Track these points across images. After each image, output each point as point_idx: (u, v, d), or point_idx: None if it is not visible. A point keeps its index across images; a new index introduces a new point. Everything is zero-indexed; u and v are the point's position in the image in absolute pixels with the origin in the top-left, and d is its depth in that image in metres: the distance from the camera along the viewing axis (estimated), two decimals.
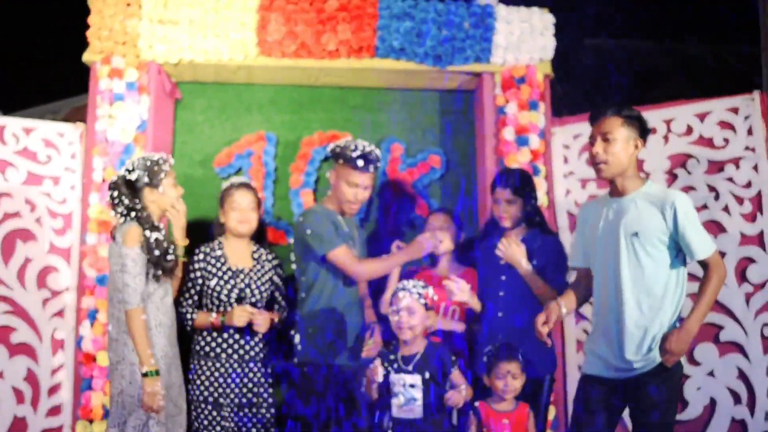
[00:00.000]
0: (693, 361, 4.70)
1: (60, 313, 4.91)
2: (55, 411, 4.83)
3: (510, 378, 3.88)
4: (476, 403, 3.90)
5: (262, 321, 4.33)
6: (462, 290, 4.21)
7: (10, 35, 7.22)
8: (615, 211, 3.82)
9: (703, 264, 3.72)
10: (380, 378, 3.85)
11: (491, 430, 3.82)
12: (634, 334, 3.69)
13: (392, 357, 3.96)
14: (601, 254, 3.83)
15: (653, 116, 4.95)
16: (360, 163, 4.34)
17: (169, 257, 4.15)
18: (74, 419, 4.77)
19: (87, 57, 5.08)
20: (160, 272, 4.10)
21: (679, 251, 3.73)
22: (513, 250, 4.24)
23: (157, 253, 4.08)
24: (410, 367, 3.90)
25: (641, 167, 4.92)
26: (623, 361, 3.70)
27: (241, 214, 4.52)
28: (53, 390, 4.84)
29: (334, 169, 4.45)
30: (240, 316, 4.30)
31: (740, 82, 4.40)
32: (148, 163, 4.19)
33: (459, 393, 3.83)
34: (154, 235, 4.09)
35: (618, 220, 3.78)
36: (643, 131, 3.85)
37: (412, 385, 3.86)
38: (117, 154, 4.92)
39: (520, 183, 4.35)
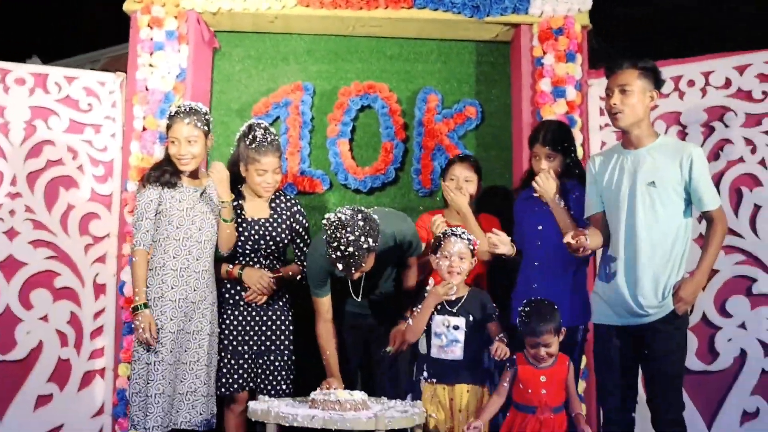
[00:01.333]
0: (724, 313, 4.75)
1: (102, 259, 5.04)
2: (97, 354, 4.98)
3: (542, 348, 3.78)
4: (514, 355, 3.89)
5: (266, 292, 4.39)
6: (503, 242, 4.27)
7: None
8: (631, 161, 3.90)
9: (708, 217, 3.87)
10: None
11: (527, 384, 3.80)
12: (648, 278, 3.80)
13: (441, 302, 4.06)
14: (617, 203, 3.91)
15: (691, 69, 4.99)
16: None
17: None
18: (116, 362, 4.92)
19: (127, 6, 5.15)
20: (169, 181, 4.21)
21: (689, 203, 3.85)
22: (549, 184, 4.27)
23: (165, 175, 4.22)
24: (454, 310, 4.01)
25: (677, 119, 4.96)
26: (638, 306, 3.81)
27: (264, 179, 4.41)
28: (95, 333, 4.99)
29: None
30: (256, 280, 4.36)
31: None
32: (171, 112, 4.31)
33: (503, 344, 3.90)
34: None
35: (635, 170, 3.87)
36: (658, 82, 3.94)
37: (455, 327, 3.98)
38: (157, 102, 5.00)
39: (560, 138, 4.37)
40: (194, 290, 4.21)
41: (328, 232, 3.88)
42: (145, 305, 4.10)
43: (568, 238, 3.79)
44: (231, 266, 4.43)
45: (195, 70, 5.14)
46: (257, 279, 4.36)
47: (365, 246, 3.85)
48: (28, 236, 4.93)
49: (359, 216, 3.88)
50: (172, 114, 4.28)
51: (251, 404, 3.84)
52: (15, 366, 4.87)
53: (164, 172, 4.22)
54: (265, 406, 3.75)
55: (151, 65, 5.05)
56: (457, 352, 3.97)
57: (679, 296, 3.76)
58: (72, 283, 4.98)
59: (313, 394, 3.82)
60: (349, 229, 3.83)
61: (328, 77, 5.46)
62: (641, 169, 3.86)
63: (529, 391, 3.76)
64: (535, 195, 4.31)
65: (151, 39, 5.07)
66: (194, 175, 4.34)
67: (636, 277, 3.83)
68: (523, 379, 3.79)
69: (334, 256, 3.88)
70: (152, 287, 4.15)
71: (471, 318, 3.98)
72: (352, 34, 5.44)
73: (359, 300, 4.34)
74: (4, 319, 4.87)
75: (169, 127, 4.26)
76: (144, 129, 4.99)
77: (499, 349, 3.88)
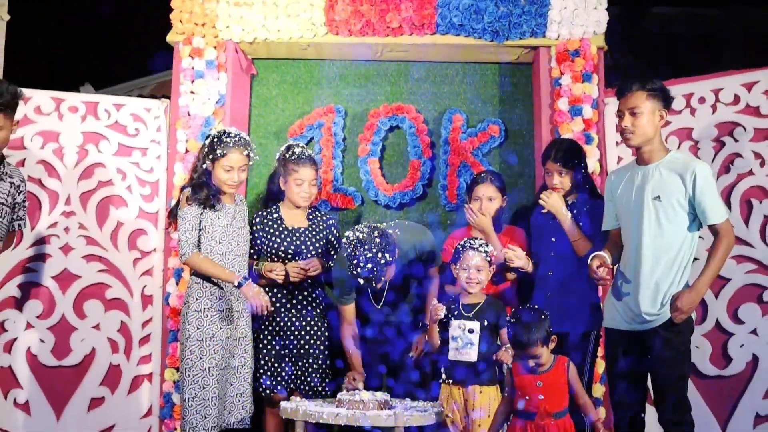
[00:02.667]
0: (737, 320, 4.93)
1: (149, 272, 5.37)
2: (145, 360, 5.30)
3: (531, 360, 3.84)
4: (510, 364, 4.07)
5: (313, 266, 4.66)
6: (519, 257, 4.54)
7: (103, 19, 7.71)
8: (641, 177, 4.09)
9: (713, 230, 3.97)
10: (441, 314, 4.22)
11: (524, 391, 3.86)
12: (649, 287, 3.97)
13: (453, 306, 4.33)
14: (627, 216, 4.11)
15: (702, 86, 5.18)
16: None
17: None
18: (162, 367, 5.23)
19: (170, 38, 5.50)
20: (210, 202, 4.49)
21: (695, 217, 3.98)
22: (554, 199, 4.51)
23: (202, 194, 4.47)
24: (471, 315, 4.27)
25: (689, 135, 5.15)
26: (639, 313, 3.99)
27: (302, 189, 4.77)
28: (144, 341, 5.31)
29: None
30: (252, 295, 4.43)
31: None
32: (212, 138, 4.59)
33: (507, 352, 4.16)
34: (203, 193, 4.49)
35: (644, 185, 4.05)
36: (667, 101, 4.10)
37: (471, 330, 4.23)
38: (198, 126, 5.33)
39: (570, 155, 4.58)
40: (237, 299, 4.53)
41: (348, 250, 4.24)
42: (245, 278, 4.44)
43: (595, 268, 4.04)
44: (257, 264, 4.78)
45: (234, 96, 5.47)
46: (252, 295, 4.44)
47: (383, 261, 4.20)
48: (82, 251, 5.25)
49: (375, 233, 4.23)
50: (228, 143, 4.49)
51: (283, 404, 4.13)
52: (70, 371, 5.19)
53: (207, 194, 4.48)
54: (294, 405, 4.05)
55: (192, 92, 5.38)
56: (471, 355, 4.21)
57: (676, 306, 3.91)
58: (122, 294, 5.30)
59: (339, 395, 4.11)
60: (366, 246, 4.19)
61: (359, 100, 5.75)
62: (648, 184, 4.04)
63: (527, 397, 3.83)
64: (544, 211, 4.57)
65: (193, 68, 5.40)
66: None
67: (638, 285, 4.01)
68: (520, 386, 3.88)
69: (354, 272, 4.23)
70: (201, 299, 4.45)
71: (485, 323, 4.23)
72: (381, 59, 5.72)
73: (379, 307, 4.64)
74: (60, 327, 5.19)
75: (223, 155, 4.46)
76: (187, 151, 5.32)
77: (502, 356, 4.15)
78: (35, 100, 5.30)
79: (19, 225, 4.46)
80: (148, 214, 5.43)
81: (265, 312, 4.46)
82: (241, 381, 4.52)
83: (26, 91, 5.11)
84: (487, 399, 4.19)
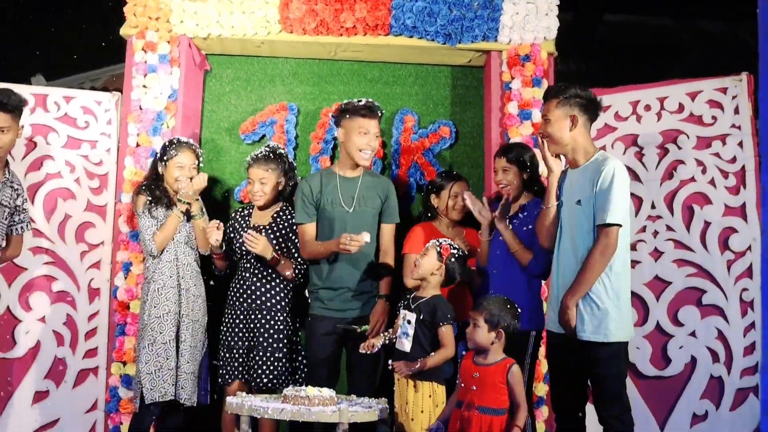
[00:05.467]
0: (677, 322, 5.06)
1: (96, 265, 5.35)
2: (91, 353, 5.28)
3: (471, 326, 4.00)
4: (464, 351, 4.21)
5: (251, 238, 4.72)
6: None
7: (56, 10, 7.65)
8: (568, 181, 4.19)
9: (597, 231, 3.97)
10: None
11: (462, 378, 4.00)
12: (559, 296, 4.07)
13: (408, 296, 4.42)
14: (561, 218, 4.20)
15: (648, 94, 5.30)
16: (365, 111, 4.80)
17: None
18: (109, 361, 5.22)
19: (123, 31, 5.47)
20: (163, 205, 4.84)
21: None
22: (474, 202, 4.71)
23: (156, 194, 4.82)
24: (412, 306, 4.34)
25: (634, 141, 5.27)
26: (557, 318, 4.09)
27: (251, 187, 4.97)
28: (90, 334, 5.28)
29: (343, 125, 4.87)
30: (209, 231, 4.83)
31: (755, 58, 4.65)
32: (165, 143, 4.93)
33: (406, 365, 4.21)
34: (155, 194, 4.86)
35: (570, 189, 4.15)
36: (585, 105, 4.13)
37: (408, 321, 4.31)
38: (150, 121, 5.32)
39: (516, 153, 4.70)
40: (184, 279, 4.86)
41: (346, 101, 4.94)
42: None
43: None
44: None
45: (186, 91, 5.46)
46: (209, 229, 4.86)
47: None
48: (28, 243, 5.17)
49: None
50: (172, 145, 4.96)
51: (228, 399, 4.17)
52: (14, 363, 5.15)
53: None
54: (239, 401, 4.07)
55: (144, 86, 5.37)
56: (406, 345, 4.30)
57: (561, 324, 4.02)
58: (68, 287, 5.27)
59: (285, 391, 4.15)
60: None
61: (312, 98, 5.77)
62: (572, 189, 4.13)
63: (462, 385, 3.96)
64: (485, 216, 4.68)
65: (146, 62, 5.38)
66: None
67: (560, 288, 4.10)
68: (462, 373, 4.01)
69: (360, 105, 4.85)
70: (157, 279, 4.79)
71: (421, 316, 4.28)
72: (334, 58, 5.75)
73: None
74: (5, 319, 5.15)
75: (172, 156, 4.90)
76: (138, 145, 5.30)
77: (398, 366, 4.25)
78: None
79: (22, 228, 4.79)
80: (96, 207, 5.40)
81: (215, 242, 4.78)
82: (194, 361, 4.78)
83: None
84: (418, 394, 4.23)
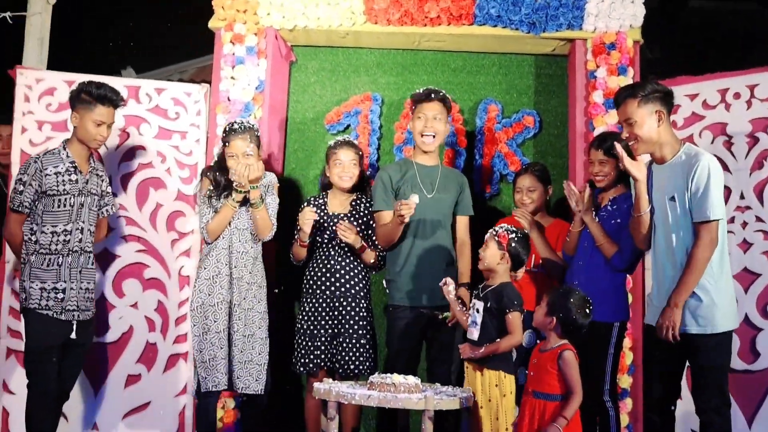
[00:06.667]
0: (766, 315, 4.95)
1: (186, 253, 5.47)
2: (181, 339, 5.41)
3: (537, 308, 4.08)
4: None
5: (345, 228, 4.78)
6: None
7: (146, 3, 7.82)
8: (657, 177, 4.14)
9: (696, 229, 3.96)
10: (450, 292, 4.41)
11: (528, 364, 4.06)
12: (667, 287, 4.03)
13: (479, 286, 4.42)
14: (654, 216, 4.16)
15: (737, 82, 5.18)
16: (423, 96, 4.92)
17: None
18: None
19: (212, 24, 5.59)
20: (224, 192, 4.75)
21: None
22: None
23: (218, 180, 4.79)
24: (481, 294, 4.34)
25: (723, 130, 5.17)
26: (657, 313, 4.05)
27: (342, 170, 4.98)
28: (180, 320, 5.41)
29: (410, 115, 5.01)
30: (303, 216, 4.82)
31: None
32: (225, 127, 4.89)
33: (472, 349, 4.24)
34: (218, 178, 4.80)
35: (660, 186, 4.10)
36: (665, 101, 4.09)
37: (477, 310, 4.31)
38: (237, 111, 5.43)
39: (612, 146, 4.54)
40: (236, 267, 4.77)
41: None
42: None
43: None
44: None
45: (273, 82, 5.55)
46: (302, 214, 4.84)
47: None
48: (121, 231, 5.37)
49: None
50: (227, 130, 4.82)
51: (316, 385, 4.23)
52: (109, 348, 5.31)
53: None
54: (327, 386, 4.14)
55: (233, 78, 5.48)
56: (474, 334, 4.29)
57: (658, 323, 3.98)
58: (159, 274, 5.41)
59: (371, 378, 4.20)
60: None
61: (396, 88, 5.82)
62: (663, 185, 4.09)
63: (525, 371, 4.00)
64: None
65: (233, 54, 5.49)
66: None
67: (661, 285, 4.09)
68: (530, 360, 4.05)
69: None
70: (209, 267, 4.74)
71: (489, 304, 4.28)
72: (418, 48, 5.79)
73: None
74: (100, 305, 5.24)
75: (227, 141, 4.79)
76: None
77: (463, 349, 4.28)
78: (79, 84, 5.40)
79: (107, 211, 4.90)
80: (186, 196, 5.52)
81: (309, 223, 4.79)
82: (249, 350, 4.73)
83: (69, 76, 5.35)
84: (486, 383, 4.23)
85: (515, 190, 5.05)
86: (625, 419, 4.98)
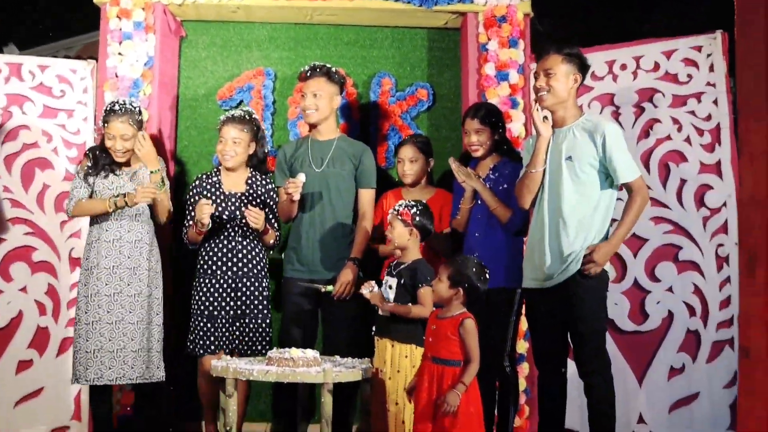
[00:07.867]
0: (654, 278, 5.14)
1: (77, 234, 5.31)
2: (73, 322, 5.16)
3: (436, 279, 4.03)
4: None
5: (255, 214, 4.73)
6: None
7: None
8: (555, 138, 4.25)
9: (627, 188, 4.15)
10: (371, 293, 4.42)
11: (427, 330, 4.02)
12: (554, 248, 4.16)
13: (392, 264, 4.47)
14: (544, 178, 4.26)
15: (623, 53, 5.33)
16: (302, 73, 5.10)
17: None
18: None
19: None
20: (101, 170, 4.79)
21: (607, 176, 4.16)
22: (463, 171, 4.67)
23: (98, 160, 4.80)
24: (394, 272, 4.39)
25: (611, 100, 5.31)
26: (543, 272, 4.19)
27: (223, 147, 4.92)
28: (72, 303, 5.23)
29: None
30: (200, 210, 4.69)
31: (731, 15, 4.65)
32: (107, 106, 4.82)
33: (387, 303, 4.32)
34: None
35: (557, 146, 4.22)
36: (582, 67, 4.27)
37: (390, 287, 4.35)
38: (126, 88, 5.30)
39: (486, 114, 4.76)
40: (128, 257, 4.70)
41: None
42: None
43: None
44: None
45: (162, 58, 5.43)
46: (199, 207, 4.72)
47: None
48: (7, 214, 5.19)
49: None
50: (106, 111, 4.79)
51: (213, 362, 4.20)
52: None
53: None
54: (224, 363, 4.11)
55: (120, 53, 5.34)
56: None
57: (591, 258, 4.07)
58: (49, 257, 5.25)
59: (269, 353, 4.19)
60: None
61: (289, 63, 5.76)
62: (562, 146, 4.20)
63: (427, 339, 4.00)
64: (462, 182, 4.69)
65: (120, 29, 5.35)
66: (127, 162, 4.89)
67: (544, 244, 4.19)
68: (426, 327, 4.05)
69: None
70: (90, 258, 4.70)
71: (402, 281, 4.32)
72: (311, 22, 5.73)
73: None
74: None
75: (106, 122, 4.77)
76: None
77: (377, 300, 4.36)
78: None
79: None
80: (74, 176, 5.32)
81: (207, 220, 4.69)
82: (149, 337, 4.72)
83: None
84: (398, 356, 4.28)
85: (397, 160, 5.10)
86: (522, 383, 5.08)
